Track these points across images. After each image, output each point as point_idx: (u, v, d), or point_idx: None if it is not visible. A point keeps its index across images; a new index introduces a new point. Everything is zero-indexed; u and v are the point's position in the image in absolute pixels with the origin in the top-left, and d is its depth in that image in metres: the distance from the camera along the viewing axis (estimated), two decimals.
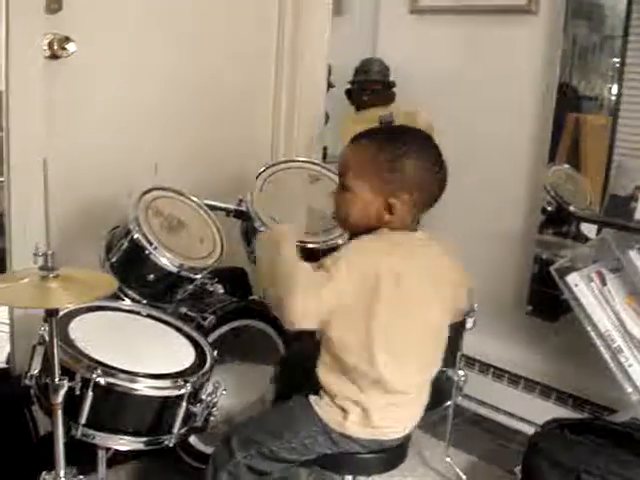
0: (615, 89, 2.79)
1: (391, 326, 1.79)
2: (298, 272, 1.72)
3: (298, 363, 2.12)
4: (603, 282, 2.49)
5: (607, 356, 2.47)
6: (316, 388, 1.90)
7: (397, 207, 1.78)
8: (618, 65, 2.76)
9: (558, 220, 3.04)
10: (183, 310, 2.34)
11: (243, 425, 1.96)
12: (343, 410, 1.86)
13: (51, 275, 1.68)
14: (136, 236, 2.16)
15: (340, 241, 2.41)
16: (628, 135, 2.76)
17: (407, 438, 2.01)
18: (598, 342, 2.48)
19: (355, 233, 1.88)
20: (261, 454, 1.88)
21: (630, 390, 2.44)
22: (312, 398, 1.90)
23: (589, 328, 2.49)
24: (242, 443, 1.88)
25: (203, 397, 2.00)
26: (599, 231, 2.77)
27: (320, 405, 1.88)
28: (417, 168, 1.78)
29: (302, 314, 1.68)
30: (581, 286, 2.49)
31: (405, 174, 1.78)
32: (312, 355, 1.91)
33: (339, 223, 1.96)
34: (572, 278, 2.50)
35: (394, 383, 1.84)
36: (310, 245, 2.39)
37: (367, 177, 1.79)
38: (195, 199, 2.43)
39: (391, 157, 1.77)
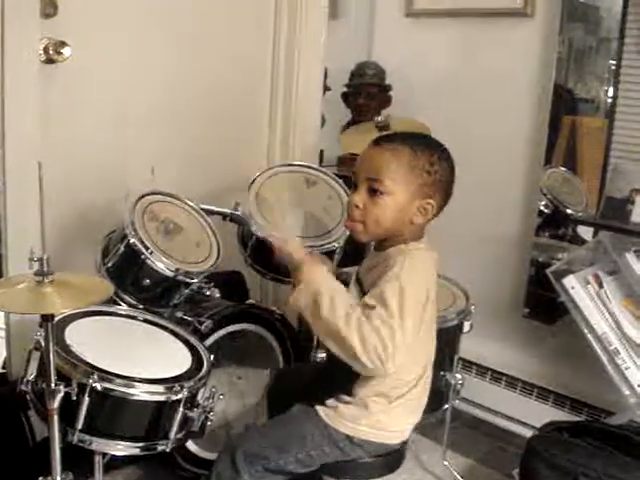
0: (611, 92, 2.79)
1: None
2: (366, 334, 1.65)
3: (292, 379, 2.11)
4: (600, 285, 2.49)
5: (604, 359, 2.46)
6: (320, 398, 1.90)
7: (434, 208, 1.80)
8: (614, 68, 2.76)
9: (555, 223, 3.04)
10: (180, 314, 2.33)
11: (248, 439, 1.92)
12: (360, 410, 1.85)
13: (47, 280, 1.68)
14: (132, 241, 2.15)
15: (336, 245, 2.41)
16: (624, 137, 2.76)
17: (405, 441, 2.01)
18: (595, 345, 2.47)
19: (373, 240, 1.89)
20: (267, 469, 1.87)
21: (627, 392, 2.43)
22: (320, 408, 1.89)
23: (586, 331, 2.48)
24: (248, 459, 1.86)
25: (200, 402, 2.00)
26: (595, 234, 2.78)
27: (329, 414, 1.87)
28: (446, 171, 1.81)
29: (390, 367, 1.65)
30: (578, 289, 2.49)
31: (441, 176, 1.80)
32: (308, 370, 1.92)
33: (363, 232, 1.84)
34: (568, 281, 2.50)
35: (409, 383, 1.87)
36: (307, 249, 2.38)
37: (406, 180, 1.77)
38: (191, 203, 2.43)
39: (429, 160, 1.78)
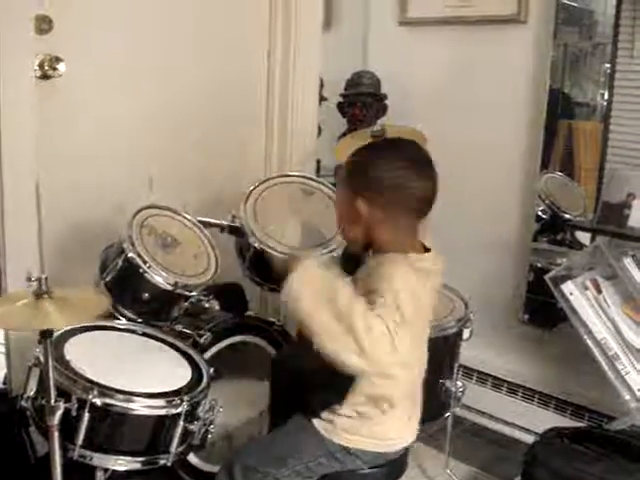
0: (606, 96, 2.80)
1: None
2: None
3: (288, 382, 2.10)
4: (598, 290, 2.49)
5: (604, 364, 2.46)
6: (315, 410, 1.89)
7: (363, 210, 1.78)
8: (609, 72, 2.77)
9: (553, 228, 3.05)
10: (179, 328, 2.33)
11: (245, 453, 1.93)
12: (353, 422, 1.85)
13: (45, 296, 1.68)
14: (130, 255, 2.15)
15: (334, 255, 2.41)
16: (620, 142, 2.77)
17: (407, 450, 2.01)
18: (595, 350, 2.48)
19: (358, 245, 1.90)
20: None
21: (628, 397, 2.44)
22: (315, 421, 1.89)
23: (585, 336, 2.48)
24: (245, 473, 1.86)
25: (200, 415, 2.00)
26: (593, 238, 2.78)
27: (325, 426, 1.88)
28: (380, 168, 1.79)
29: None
30: (576, 294, 2.49)
31: (367, 175, 1.79)
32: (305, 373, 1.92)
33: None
34: (567, 286, 2.50)
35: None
36: None
37: (348, 178, 1.85)
38: (188, 216, 2.43)
39: (365, 162, 1.82)
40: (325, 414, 1.88)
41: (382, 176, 1.78)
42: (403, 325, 1.61)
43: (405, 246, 1.81)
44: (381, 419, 1.86)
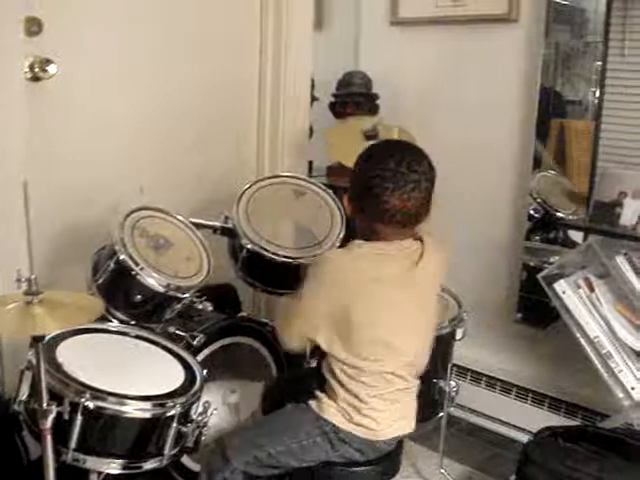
0: (598, 94, 2.80)
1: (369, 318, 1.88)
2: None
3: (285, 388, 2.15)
4: (591, 288, 2.49)
5: (597, 362, 2.46)
6: (310, 391, 1.98)
7: (347, 204, 1.94)
8: (600, 70, 2.77)
9: (545, 226, 3.05)
10: (172, 329, 2.33)
11: (239, 430, 2.02)
12: (344, 409, 1.92)
13: (36, 300, 1.67)
14: (122, 257, 2.15)
15: None
16: (611, 140, 2.77)
17: (400, 449, 2.02)
18: (587, 348, 2.48)
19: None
20: (258, 459, 1.91)
21: (621, 395, 2.44)
22: (311, 401, 1.96)
23: (578, 335, 2.48)
24: (239, 448, 1.91)
25: (193, 417, 2.00)
26: (586, 237, 2.78)
27: (318, 405, 1.94)
28: (371, 170, 1.84)
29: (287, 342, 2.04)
30: (569, 293, 2.49)
31: (356, 175, 1.90)
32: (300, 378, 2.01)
33: None
34: (559, 285, 2.50)
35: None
36: (298, 261, 2.39)
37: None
38: (180, 218, 2.43)
39: (356, 162, 1.91)
40: (319, 393, 1.96)
41: (362, 183, 1.86)
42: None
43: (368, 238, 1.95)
44: (364, 410, 1.91)
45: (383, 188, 1.81)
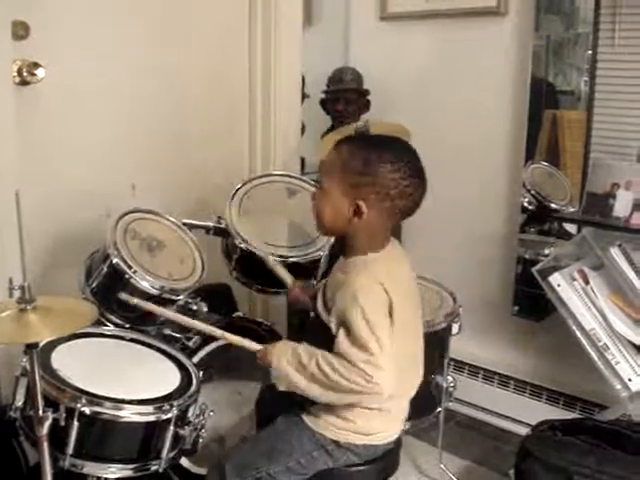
0: (589, 84, 2.79)
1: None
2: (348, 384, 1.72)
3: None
4: (586, 280, 2.48)
5: (593, 354, 2.47)
6: (304, 405, 1.90)
7: (363, 210, 1.78)
8: (590, 60, 2.76)
9: (539, 218, 3.04)
10: (167, 331, 2.31)
11: (236, 452, 1.93)
12: (342, 420, 1.86)
13: (29, 307, 1.66)
14: (115, 260, 2.14)
15: (321, 254, 2.40)
16: (603, 131, 2.77)
17: (398, 445, 2.01)
18: (584, 341, 2.48)
19: (331, 235, 1.99)
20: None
21: (618, 387, 2.44)
22: (304, 416, 1.90)
23: (574, 327, 2.49)
24: (237, 472, 1.86)
25: (191, 419, 1.99)
26: (579, 229, 2.78)
27: (314, 421, 1.88)
28: (389, 174, 1.76)
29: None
30: (564, 286, 2.49)
31: (376, 179, 1.76)
32: None
33: (316, 224, 1.92)
34: (554, 278, 2.50)
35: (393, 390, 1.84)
36: (292, 259, 2.39)
37: (338, 178, 1.79)
38: (173, 219, 2.42)
39: (364, 160, 1.76)
40: (313, 409, 1.88)
41: (391, 184, 1.77)
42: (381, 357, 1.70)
43: (376, 248, 1.85)
44: (367, 417, 1.86)
45: (412, 184, 1.78)
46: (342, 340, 1.73)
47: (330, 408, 1.85)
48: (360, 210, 1.78)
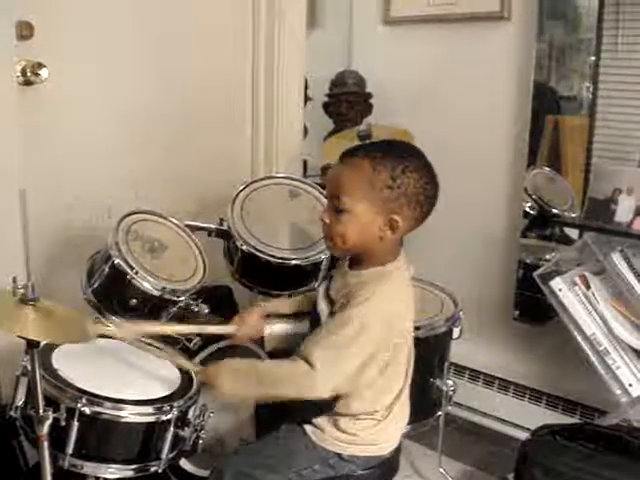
0: (592, 90, 2.79)
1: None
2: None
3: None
4: (587, 285, 2.49)
5: (594, 359, 2.47)
6: (307, 416, 1.89)
7: (400, 224, 1.75)
8: (593, 66, 2.77)
9: (541, 223, 3.05)
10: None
11: (236, 459, 1.91)
12: (346, 434, 1.85)
13: (32, 305, 1.65)
14: (116, 261, 2.14)
15: (323, 257, 2.40)
16: (605, 136, 2.77)
17: (398, 449, 2.01)
18: (584, 345, 2.48)
19: (350, 254, 1.87)
20: None
21: (619, 392, 2.45)
22: (308, 427, 1.88)
23: (575, 332, 2.49)
24: (236, 478, 1.84)
25: (191, 420, 1.98)
26: (581, 234, 2.78)
27: (317, 434, 1.87)
28: (414, 183, 1.74)
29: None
30: (565, 290, 2.50)
31: (407, 190, 1.73)
32: None
33: (333, 247, 1.85)
34: (555, 283, 2.51)
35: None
36: (293, 262, 2.39)
37: (366, 197, 1.73)
38: (175, 220, 2.42)
39: (391, 173, 1.72)
40: (318, 421, 1.87)
41: (420, 191, 1.75)
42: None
43: (393, 257, 1.83)
44: (373, 429, 1.85)
45: (433, 186, 1.78)
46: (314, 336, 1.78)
47: (334, 421, 1.85)
48: (397, 224, 1.75)
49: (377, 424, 1.85)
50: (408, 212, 1.75)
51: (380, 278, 1.77)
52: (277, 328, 2.09)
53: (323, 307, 1.86)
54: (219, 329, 2.05)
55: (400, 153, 1.77)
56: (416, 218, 1.79)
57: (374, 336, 1.74)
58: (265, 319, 2.09)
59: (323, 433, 1.86)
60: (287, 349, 2.00)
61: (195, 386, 2.01)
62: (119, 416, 1.84)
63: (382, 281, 1.76)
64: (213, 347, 2.40)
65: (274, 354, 2.13)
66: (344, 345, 1.72)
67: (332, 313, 1.81)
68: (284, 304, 2.19)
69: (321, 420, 1.86)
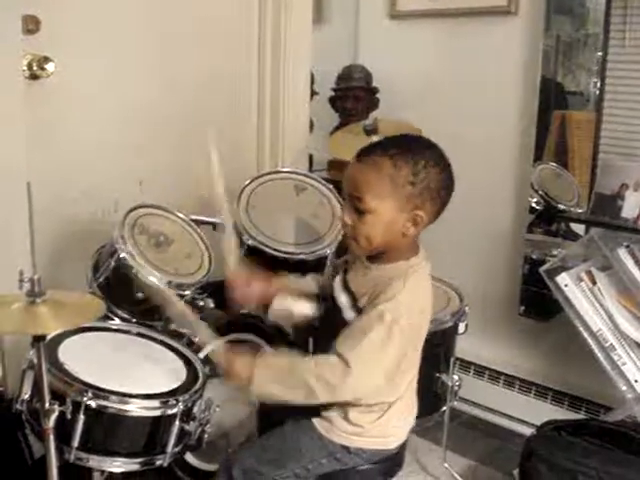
0: (599, 85, 2.79)
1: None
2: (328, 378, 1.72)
3: None
4: (593, 281, 2.48)
5: (600, 355, 2.47)
6: (313, 407, 1.87)
7: (424, 218, 1.74)
8: (601, 61, 2.76)
9: (547, 219, 3.04)
10: (173, 327, 2.32)
11: (244, 455, 1.90)
12: (353, 426, 1.84)
13: (39, 300, 1.66)
14: (122, 255, 2.15)
15: (328, 251, 2.40)
16: (612, 132, 2.76)
17: (404, 444, 2.01)
18: (590, 341, 2.48)
19: (371, 253, 1.83)
20: None
21: (625, 388, 2.44)
22: (315, 420, 1.86)
23: (581, 328, 2.49)
24: (245, 475, 1.84)
25: (196, 414, 1.99)
26: (587, 230, 2.78)
27: (325, 426, 1.85)
28: (435, 177, 1.73)
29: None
30: (571, 286, 2.49)
31: (429, 184, 1.72)
32: None
33: (358, 248, 1.81)
34: (562, 278, 2.50)
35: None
36: (299, 256, 2.39)
37: (390, 195, 1.71)
38: (181, 215, 2.42)
39: (413, 169, 1.70)
40: (325, 413, 1.85)
41: (440, 184, 1.74)
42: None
43: (415, 251, 1.83)
44: (380, 422, 1.84)
45: (451, 177, 1.77)
46: (347, 333, 1.74)
47: (342, 413, 1.83)
48: (421, 220, 1.74)
49: (383, 415, 1.84)
50: (430, 206, 1.74)
51: (406, 273, 1.76)
52: (287, 304, 2.02)
53: (343, 300, 1.84)
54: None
55: (418, 147, 1.75)
56: (437, 211, 1.78)
57: (407, 331, 1.73)
58: (278, 292, 2.02)
59: (331, 425, 1.84)
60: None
61: (201, 380, 2.02)
62: (125, 410, 1.85)
63: (409, 276, 1.75)
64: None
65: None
66: (380, 344, 1.71)
67: (356, 307, 1.79)
68: (308, 283, 2.11)
69: (331, 412, 1.84)
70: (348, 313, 1.81)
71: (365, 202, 1.72)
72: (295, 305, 2.01)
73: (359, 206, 1.73)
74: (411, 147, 1.74)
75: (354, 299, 1.81)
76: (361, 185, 1.73)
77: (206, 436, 2.04)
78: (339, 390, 1.72)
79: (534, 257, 3.01)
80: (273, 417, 1.98)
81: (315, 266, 2.44)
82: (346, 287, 1.86)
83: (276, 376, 1.75)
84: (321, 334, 1.93)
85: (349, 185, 1.77)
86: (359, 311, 1.78)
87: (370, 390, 1.76)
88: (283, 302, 2.00)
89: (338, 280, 1.90)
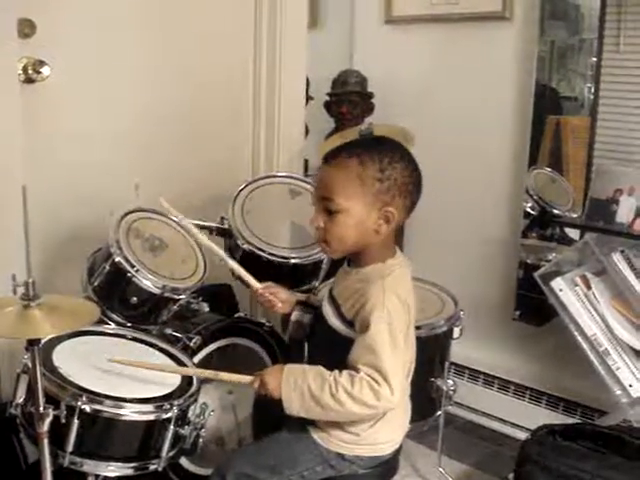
0: (594, 90, 2.80)
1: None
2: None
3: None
4: (588, 286, 2.49)
5: (594, 359, 2.47)
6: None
7: (395, 215, 1.76)
8: (595, 67, 2.77)
9: (542, 224, 3.05)
10: (168, 331, 2.32)
11: (238, 460, 1.89)
12: (349, 434, 1.84)
13: (33, 304, 1.66)
14: (117, 259, 2.15)
15: (323, 255, 2.40)
16: (607, 137, 2.77)
17: (399, 449, 2.01)
18: (585, 346, 2.48)
19: (349, 253, 1.85)
20: None
21: (619, 392, 2.45)
22: (311, 428, 1.86)
23: (575, 332, 2.49)
24: None
25: (191, 419, 1.99)
26: (582, 234, 2.78)
27: (320, 435, 1.85)
28: (402, 172, 1.76)
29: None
30: (566, 291, 2.50)
31: (396, 180, 1.75)
32: None
33: (330, 251, 1.84)
34: (556, 283, 2.51)
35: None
36: (293, 261, 2.39)
37: (359, 193, 1.74)
38: (176, 219, 2.42)
39: (379, 166, 1.73)
40: (320, 422, 1.85)
41: (407, 179, 1.77)
42: (395, 353, 1.71)
43: (391, 253, 1.84)
44: (375, 429, 1.84)
45: (418, 172, 1.80)
46: (360, 353, 1.72)
47: (337, 422, 1.83)
48: (392, 216, 1.76)
49: (378, 422, 1.84)
50: (400, 202, 1.77)
51: (382, 274, 1.77)
52: (302, 317, 2.04)
53: (327, 308, 1.86)
54: (235, 377, 1.97)
55: (382, 146, 1.79)
56: (407, 207, 1.80)
57: (404, 330, 1.76)
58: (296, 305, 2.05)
59: (326, 433, 1.84)
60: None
61: (195, 384, 2.02)
62: (119, 414, 1.84)
63: (385, 276, 1.77)
64: (214, 346, 2.40)
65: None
66: (391, 348, 1.71)
67: (340, 314, 1.81)
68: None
69: (324, 421, 1.84)
70: (332, 320, 1.83)
71: (336, 202, 1.75)
72: (301, 314, 2.04)
73: (330, 207, 1.76)
74: (374, 146, 1.80)
75: (337, 306, 1.83)
76: (331, 186, 1.76)
77: (201, 440, 2.04)
78: (381, 408, 1.76)
79: (529, 262, 3.01)
80: (268, 422, 1.98)
81: (310, 270, 2.44)
82: (330, 295, 1.89)
83: (306, 397, 1.75)
84: (312, 341, 1.95)
85: (319, 188, 1.81)
86: (343, 318, 1.80)
87: (401, 396, 1.76)
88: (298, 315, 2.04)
89: (326, 290, 1.95)
